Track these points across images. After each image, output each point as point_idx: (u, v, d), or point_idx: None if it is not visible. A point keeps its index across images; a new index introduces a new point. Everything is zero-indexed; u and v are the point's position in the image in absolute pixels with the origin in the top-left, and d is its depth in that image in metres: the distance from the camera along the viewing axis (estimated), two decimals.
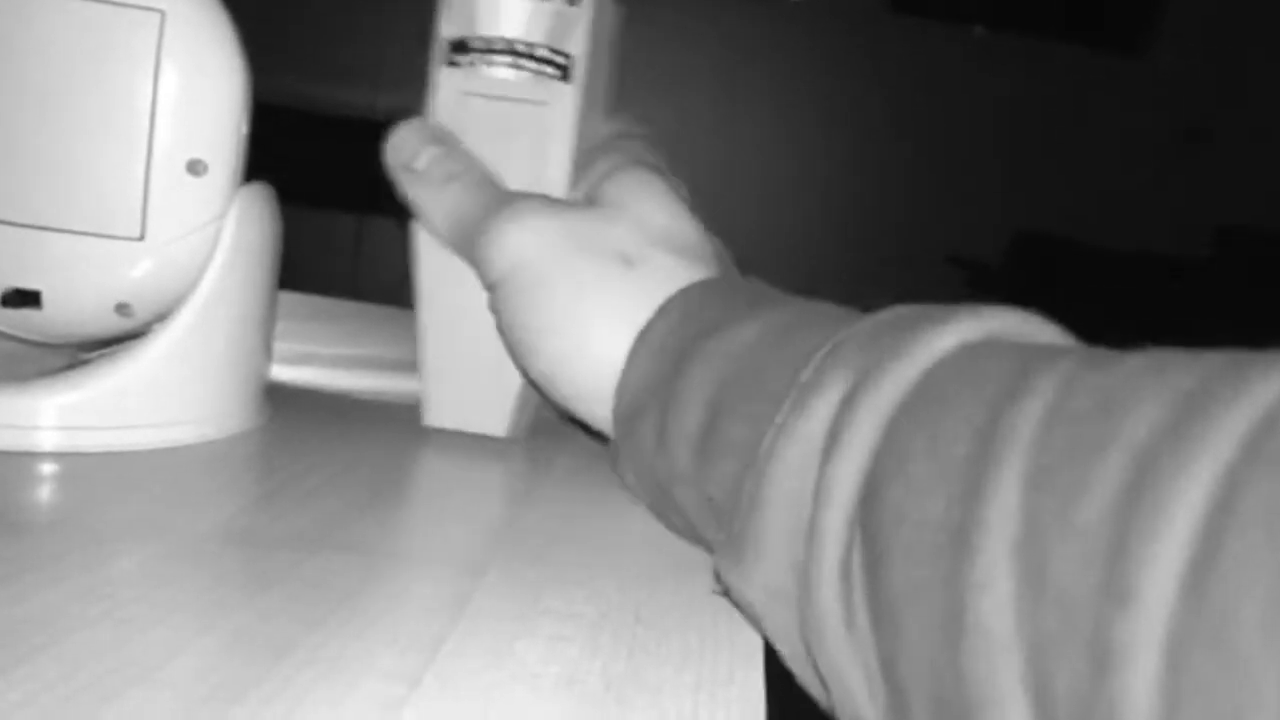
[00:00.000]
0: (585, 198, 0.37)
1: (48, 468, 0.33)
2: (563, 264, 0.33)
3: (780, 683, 0.25)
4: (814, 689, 0.25)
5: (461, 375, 0.39)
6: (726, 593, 0.28)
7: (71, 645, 0.22)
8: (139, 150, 0.33)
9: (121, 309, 0.34)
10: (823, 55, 3.01)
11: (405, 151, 0.37)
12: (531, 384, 0.37)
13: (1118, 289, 2.66)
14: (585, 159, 0.39)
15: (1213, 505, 0.15)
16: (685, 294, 0.32)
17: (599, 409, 0.34)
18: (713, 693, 0.24)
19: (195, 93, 0.34)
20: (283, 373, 0.47)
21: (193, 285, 0.35)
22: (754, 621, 0.26)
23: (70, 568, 0.25)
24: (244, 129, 0.36)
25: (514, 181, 0.37)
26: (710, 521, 0.28)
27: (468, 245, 0.36)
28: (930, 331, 0.24)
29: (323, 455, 0.37)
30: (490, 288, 0.35)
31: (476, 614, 0.26)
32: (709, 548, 0.32)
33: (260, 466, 0.37)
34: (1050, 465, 0.18)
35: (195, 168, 0.34)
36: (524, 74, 0.37)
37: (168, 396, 0.35)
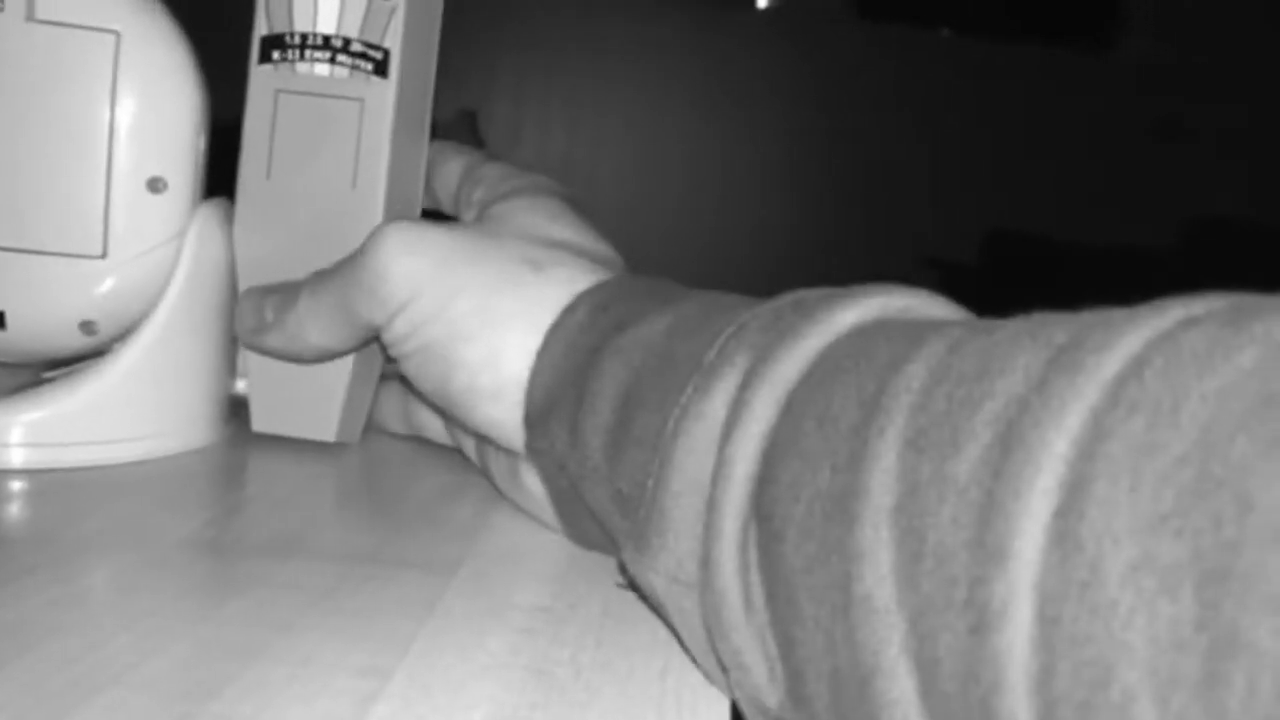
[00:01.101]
0: (475, 219, 0.36)
1: (15, 484, 0.33)
2: (467, 274, 0.32)
3: None
4: (715, 678, 0.24)
5: (285, 380, 0.38)
6: (631, 585, 0.27)
7: (46, 651, 0.22)
8: (99, 169, 0.34)
9: (86, 327, 0.34)
10: (792, 61, 3.04)
11: (250, 317, 0.36)
12: (441, 413, 0.36)
13: (1093, 284, 2.68)
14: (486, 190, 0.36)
15: (1078, 453, 0.15)
16: (595, 291, 0.31)
17: (519, 417, 0.32)
18: (680, 677, 0.25)
19: (153, 111, 0.34)
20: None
21: (155, 301, 0.35)
22: (658, 611, 0.26)
23: (42, 579, 0.26)
24: (202, 146, 0.36)
25: (330, 183, 0.36)
26: (618, 517, 0.27)
27: (355, 305, 0.33)
28: (829, 311, 0.24)
29: (288, 465, 0.37)
30: (391, 328, 0.32)
31: (447, 612, 0.27)
32: (615, 551, 0.31)
33: (227, 478, 0.37)
34: (927, 426, 0.18)
35: (155, 185, 0.34)
36: (339, 69, 0.36)
37: (133, 412, 0.35)
